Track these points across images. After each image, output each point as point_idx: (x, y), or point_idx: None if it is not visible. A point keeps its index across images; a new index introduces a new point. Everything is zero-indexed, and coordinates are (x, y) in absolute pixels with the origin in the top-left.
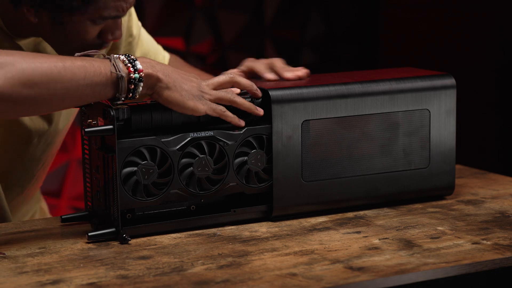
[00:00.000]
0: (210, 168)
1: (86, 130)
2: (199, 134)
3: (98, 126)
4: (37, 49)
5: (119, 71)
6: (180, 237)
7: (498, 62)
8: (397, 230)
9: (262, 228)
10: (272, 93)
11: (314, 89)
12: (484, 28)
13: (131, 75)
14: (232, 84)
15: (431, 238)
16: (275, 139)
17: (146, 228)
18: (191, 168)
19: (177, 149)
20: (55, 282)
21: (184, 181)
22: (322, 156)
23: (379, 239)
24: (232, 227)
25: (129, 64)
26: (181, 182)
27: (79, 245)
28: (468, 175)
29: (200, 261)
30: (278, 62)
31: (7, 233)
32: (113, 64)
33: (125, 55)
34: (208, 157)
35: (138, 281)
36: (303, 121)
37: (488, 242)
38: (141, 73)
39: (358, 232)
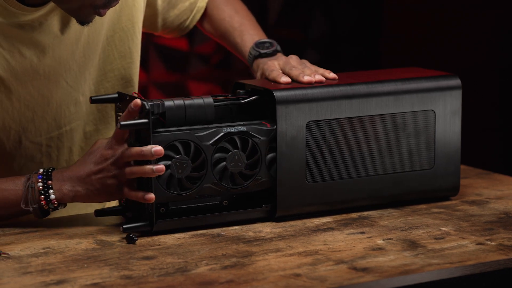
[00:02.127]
0: (243, 163)
1: (121, 123)
2: (232, 129)
3: (133, 119)
4: (44, 25)
5: (31, 205)
6: (184, 238)
7: (498, 62)
8: (401, 230)
9: (266, 229)
10: (276, 94)
11: (319, 89)
12: (485, 28)
13: (44, 206)
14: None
15: (435, 238)
16: (279, 139)
17: (180, 222)
18: (224, 162)
19: (211, 143)
20: (59, 282)
21: (217, 175)
22: (327, 156)
23: (383, 240)
24: (236, 227)
25: (42, 196)
26: (214, 177)
27: (83, 245)
28: (472, 175)
29: (204, 262)
30: (293, 61)
31: (11, 233)
32: (24, 200)
33: (43, 180)
34: (241, 152)
35: (142, 281)
36: (308, 122)
37: (493, 243)
38: (54, 203)
39: (362, 233)
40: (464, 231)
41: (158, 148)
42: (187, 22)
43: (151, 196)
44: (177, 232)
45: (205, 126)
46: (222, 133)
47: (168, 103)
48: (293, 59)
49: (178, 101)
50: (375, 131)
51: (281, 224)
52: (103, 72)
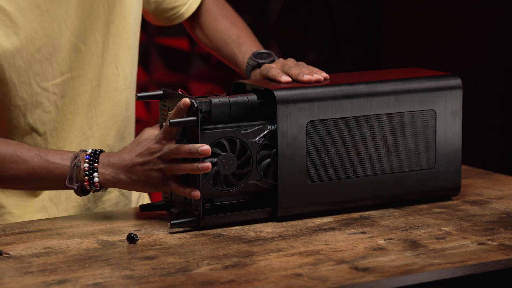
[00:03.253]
0: None
1: (171, 121)
2: (276, 126)
3: (182, 117)
4: None
5: (75, 183)
6: (185, 237)
7: (499, 62)
8: (402, 230)
9: (267, 229)
10: (277, 93)
11: (320, 89)
12: (486, 27)
13: (86, 187)
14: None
15: (437, 238)
16: (280, 139)
17: (226, 218)
18: (269, 159)
19: (256, 140)
20: (60, 282)
21: (261, 172)
22: (327, 156)
23: (385, 240)
24: (237, 227)
25: (86, 177)
26: (259, 173)
27: (84, 245)
28: (473, 175)
29: (206, 262)
30: (291, 62)
31: (13, 233)
32: (69, 178)
33: (89, 161)
34: None
35: (143, 281)
36: (308, 122)
37: (494, 243)
38: (96, 186)
39: (364, 233)
40: (465, 231)
41: (206, 147)
42: (182, 9)
43: (197, 193)
44: (221, 227)
45: (249, 123)
46: (267, 131)
47: (215, 100)
48: (290, 61)
49: (223, 99)
50: (376, 131)
51: (282, 224)
52: (107, 24)
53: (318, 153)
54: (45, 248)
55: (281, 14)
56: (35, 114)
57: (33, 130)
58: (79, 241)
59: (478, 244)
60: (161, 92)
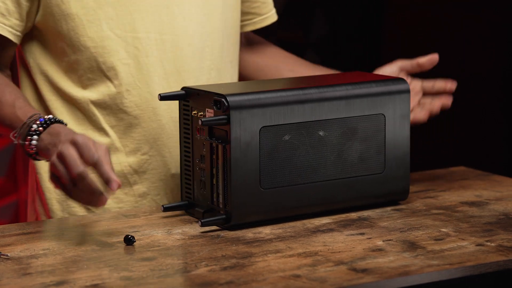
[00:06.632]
0: None
1: (202, 120)
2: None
3: (212, 116)
4: None
5: (17, 139)
6: (183, 239)
7: (502, 64)
8: (401, 231)
9: (266, 230)
10: (230, 99)
11: (272, 94)
12: (488, 28)
13: (26, 147)
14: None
15: (435, 239)
16: (233, 145)
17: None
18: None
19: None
20: (59, 283)
21: None
22: (280, 162)
23: (383, 241)
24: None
25: (28, 137)
26: None
27: (82, 247)
28: (472, 176)
29: (204, 263)
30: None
31: (11, 235)
32: (16, 130)
33: (41, 124)
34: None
35: (142, 282)
36: (261, 127)
37: (492, 244)
38: (32, 149)
39: (362, 234)
40: (464, 232)
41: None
42: (256, 19)
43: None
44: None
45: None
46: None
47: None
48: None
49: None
50: (327, 135)
51: (281, 225)
52: None
53: (271, 159)
54: (43, 250)
55: (281, 15)
56: (109, 62)
57: (108, 79)
58: (78, 242)
59: (477, 245)
60: (183, 92)
